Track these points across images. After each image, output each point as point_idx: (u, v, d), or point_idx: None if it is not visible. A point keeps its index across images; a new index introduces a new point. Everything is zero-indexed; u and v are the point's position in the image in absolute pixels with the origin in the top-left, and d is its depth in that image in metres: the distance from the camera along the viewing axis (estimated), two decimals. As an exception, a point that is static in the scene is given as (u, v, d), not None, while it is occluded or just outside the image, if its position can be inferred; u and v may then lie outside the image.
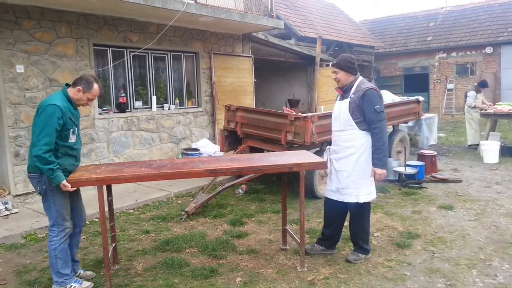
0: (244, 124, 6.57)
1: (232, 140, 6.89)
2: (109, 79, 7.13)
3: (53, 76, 6.19)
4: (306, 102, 12.84)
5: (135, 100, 7.56)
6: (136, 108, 7.54)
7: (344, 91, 3.81)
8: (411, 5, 34.17)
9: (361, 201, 3.73)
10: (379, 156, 3.57)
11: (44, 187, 3.25)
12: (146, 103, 7.77)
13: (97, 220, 5.24)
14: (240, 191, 6.39)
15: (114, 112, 7.16)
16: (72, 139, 3.35)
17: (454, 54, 19.11)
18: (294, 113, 6.03)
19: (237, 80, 9.38)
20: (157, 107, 7.81)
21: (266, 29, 9.47)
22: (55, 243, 3.32)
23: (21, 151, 5.82)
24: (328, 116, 6.09)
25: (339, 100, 3.91)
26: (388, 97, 8.23)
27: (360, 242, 3.91)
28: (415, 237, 4.43)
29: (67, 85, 3.42)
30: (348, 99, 3.71)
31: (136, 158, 7.27)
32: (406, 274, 3.60)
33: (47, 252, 4.12)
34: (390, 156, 7.35)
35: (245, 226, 4.92)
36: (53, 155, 3.16)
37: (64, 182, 3.17)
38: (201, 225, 4.99)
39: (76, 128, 3.38)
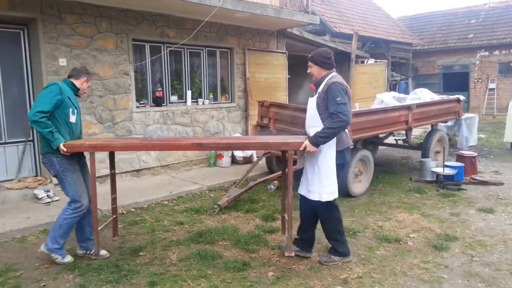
0: (277, 120, 6.56)
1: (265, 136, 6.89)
2: (146, 73, 7.29)
3: (93, 69, 6.39)
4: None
5: (171, 95, 7.69)
6: (172, 102, 7.68)
7: (316, 86, 3.70)
8: (452, 2, 32.97)
9: (323, 199, 3.59)
10: (319, 134, 3.44)
11: (56, 168, 3.64)
12: (181, 97, 7.89)
13: (133, 210, 5.39)
14: (272, 187, 6.39)
15: (150, 106, 7.32)
16: (72, 118, 3.73)
17: (496, 52, 18.28)
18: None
19: (271, 76, 9.36)
20: (191, 102, 7.92)
21: (301, 25, 9.39)
22: (68, 214, 3.67)
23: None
24: (363, 113, 6.04)
25: (312, 97, 3.80)
26: (427, 95, 7.98)
27: (334, 243, 3.77)
28: (453, 240, 4.29)
29: (66, 78, 3.91)
30: (316, 95, 3.64)
31: (171, 151, 7.40)
32: (443, 277, 3.50)
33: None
34: (428, 156, 7.14)
35: (277, 222, 4.91)
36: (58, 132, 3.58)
37: (62, 145, 3.53)
38: (233, 219, 5.03)
39: (75, 110, 3.77)
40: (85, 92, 4.00)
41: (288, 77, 9.89)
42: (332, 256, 3.76)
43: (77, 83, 3.85)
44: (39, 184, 5.78)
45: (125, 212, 5.29)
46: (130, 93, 6.88)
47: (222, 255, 3.91)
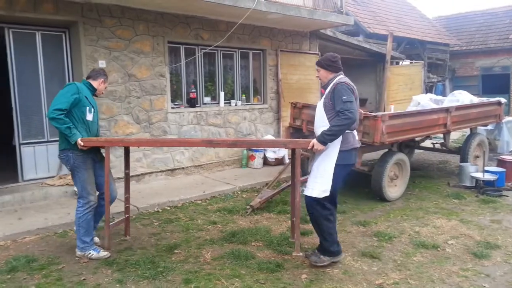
0: (310, 122, 6.50)
1: (297, 138, 6.83)
2: (181, 75, 7.42)
3: (131, 71, 6.57)
4: (374, 101, 12.44)
5: (204, 96, 7.80)
6: (205, 104, 7.78)
7: (325, 89, 3.78)
8: (492, 1, 31.62)
9: (314, 195, 3.59)
10: (325, 132, 3.50)
11: (70, 163, 3.85)
12: (214, 98, 7.98)
13: (168, 208, 5.50)
14: (304, 189, 6.33)
15: (185, 107, 7.45)
16: (89, 117, 3.91)
17: (540, 53, 17.41)
18: (363, 111, 5.87)
19: (303, 78, 9.32)
20: (224, 103, 8.00)
21: (335, 26, 9.30)
22: (79, 213, 3.88)
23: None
24: (399, 115, 5.90)
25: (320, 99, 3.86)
26: (466, 97, 7.71)
27: (323, 242, 3.72)
28: (495, 248, 4.12)
29: (85, 78, 4.12)
30: (324, 96, 3.73)
31: (204, 152, 7.50)
32: (484, 286, 3.37)
33: (119, 236, 4.43)
34: (467, 161, 6.89)
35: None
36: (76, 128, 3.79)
37: (79, 140, 3.72)
38: (266, 220, 5.03)
39: (92, 108, 3.95)
40: (102, 93, 4.19)
41: (321, 79, 9.80)
42: (322, 256, 3.72)
43: (94, 84, 4.05)
44: (79, 182, 5.99)
45: (160, 210, 5.41)
46: (166, 94, 7.02)
47: (255, 256, 3.92)
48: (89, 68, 6.09)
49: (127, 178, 4.33)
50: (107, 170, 3.91)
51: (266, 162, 8.07)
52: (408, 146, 7.64)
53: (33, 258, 3.85)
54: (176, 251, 4.05)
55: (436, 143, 7.85)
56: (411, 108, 8.10)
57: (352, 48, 11.25)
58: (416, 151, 8.86)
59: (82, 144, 3.73)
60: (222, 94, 7.96)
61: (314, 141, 3.54)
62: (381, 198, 5.80)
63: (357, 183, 6.67)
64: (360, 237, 4.49)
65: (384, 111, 10.23)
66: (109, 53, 6.34)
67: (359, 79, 13.09)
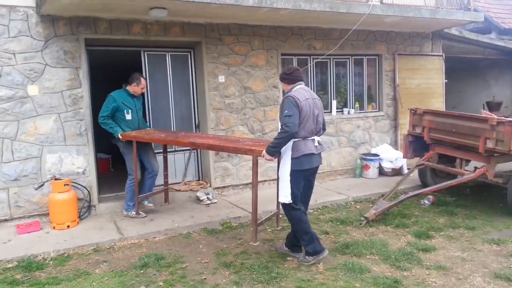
0: (433, 129, 6.04)
1: (417, 146, 6.41)
2: (293, 85, 7.54)
3: (247, 84, 6.92)
4: (510, 105, 10.96)
5: (317, 105, 7.79)
6: (317, 113, 7.76)
7: None
8: None
9: (280, 200, 3.93)
10: (270, 145, 3.81)
11: (121, 150, 5.33)
12: (326, 107, 7.88)
13: (280, 216, 5.57)
14: (426, 201, 5.87)
15: (297, 116, 7.53)
16: (128, 117, 5.30)
17: None
18: (496, 117, 5.22)
19: (424, 82, 8.67)
20: (336, 111, 7.87)
21: (461, 24, 8.47)
22: (127, 184, 5.39)
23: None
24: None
25: None
26: None
27: (302, 243, 3.97)
28: None
29: (125, 84, 5.38)
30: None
31: (316, 161, 7.46)
32: None
33: (240, 239, 4.67)
34: None
35: (432, 240, 4.50)
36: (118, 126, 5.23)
37: (119, 135, 5.15)
38: (382, 233, 4.79)
39: (130, 110, 5.31)
40: (141, 92, 5.44)
41: (446, 82, 9.01)
42: (306, 257, 3.95)
43: (129, 88, 5.34)
44: (201, 188, 6.50)
45: (273, 218, 5.52)
46: (278, 105, 7.21)
47: (370, 269, 3.76)
48: (210, 83, 6.61)
49: (165, 159, 5.86)
50: (134, 155, 5.19)
51: (381, 172, 7.69)
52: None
53: (161, 256, 4.24)
54: (288, 258, 4.10)
55: None
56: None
57: (482, 47, 10.11)
58: None
59: (121, 138, 5.15)
60: (334, 102, 7.86)
61: (264, 151, 3.85)
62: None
63: (490, 196, 5.96)
64: (493, 257, 3.99)
65: (524, 116, 8.95)
66: (228, 68, 6.77)
67: (491, 80, 11.71)
